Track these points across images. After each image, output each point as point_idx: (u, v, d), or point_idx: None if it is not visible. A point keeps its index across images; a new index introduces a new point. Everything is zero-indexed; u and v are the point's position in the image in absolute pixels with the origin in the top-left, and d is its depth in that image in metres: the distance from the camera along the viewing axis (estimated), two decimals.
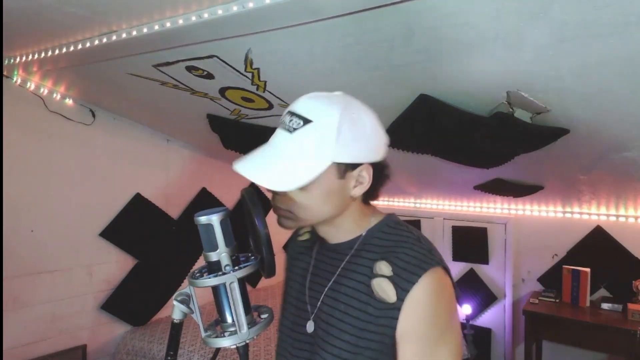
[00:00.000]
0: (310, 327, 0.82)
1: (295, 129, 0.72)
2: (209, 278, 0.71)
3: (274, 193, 0.77)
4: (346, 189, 0.76)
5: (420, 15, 1.19)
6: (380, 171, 0.79)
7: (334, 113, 0.71)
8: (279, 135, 0.75)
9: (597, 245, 2.90)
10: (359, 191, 0.77)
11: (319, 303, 0.81)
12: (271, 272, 0.75)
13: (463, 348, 3.19)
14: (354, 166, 0.74)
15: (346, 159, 0.73)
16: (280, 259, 0.78)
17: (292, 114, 0.73)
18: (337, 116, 0.71)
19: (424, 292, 0.71)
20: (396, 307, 0.71)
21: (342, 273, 0.79)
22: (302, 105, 0.74)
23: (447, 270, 0.76)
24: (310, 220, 0.79)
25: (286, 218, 0.77)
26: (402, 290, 0.71)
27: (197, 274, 0.75)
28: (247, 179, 0.73)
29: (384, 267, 0.74)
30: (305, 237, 0.94)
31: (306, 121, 0.71)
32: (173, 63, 1.77)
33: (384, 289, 0.72)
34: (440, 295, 0.73)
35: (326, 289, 0.80)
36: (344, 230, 0.82)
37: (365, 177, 0.76)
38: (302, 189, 0.72)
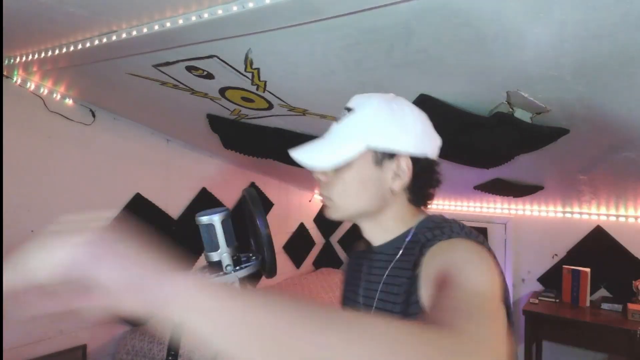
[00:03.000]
0: None
1: (340, 119, 0.78)
2: (210, 278, 0.71)
3: (317, 180, 0.79)
4: (384, 180, 0.75)
5: (420, 15, 1.19)
6: (426, 170, 0.77)
7: (374, 102, 0.75)
8: (331, 127, 0.80)
9: (597, 245, 2.90)
10: (398, 184, 0.75)
11: (373, 309, 0.78)
12: (272, 272, 0.75)
13: None
14: (391, 156, 0.74)
15: (379, 143, 0.73)
16: (281, 259, 0.78)
17: (345, 108, 0.79)
18: (375, 104, 0.75)
19: (444, 244, 0.67)
20: (417, 275, 0.68)
21: (391, 272, 0.76)
22: (352, 100, 0.79)
23: (483, 245, 0.70)
24: (348, 209, 0.77)
25: (326, 206, 0.79)
26: (421, 255, 0.69)
27: (198, 274, 0.75)
28: (246, 179, 0.73)
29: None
30: (361, 247, 0.91)
31: (350, 110, 0.77)
32: (173, 63, 1.77)
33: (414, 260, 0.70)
34: (471, 247, 0.66)
35: (378, 292, 0.78)
36: (387, 228, 0.79)
37: (405, 169, 0.74)
38: (338, 173, 0.75)
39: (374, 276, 0.80)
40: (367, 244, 0.85)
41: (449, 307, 0.51)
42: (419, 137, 0.75)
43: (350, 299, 0.87)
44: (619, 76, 1.32)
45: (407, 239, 0.76)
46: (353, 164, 0.73)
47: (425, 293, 0.65)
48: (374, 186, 0.75)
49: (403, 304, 0.70)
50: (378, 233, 0.81)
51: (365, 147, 0.73)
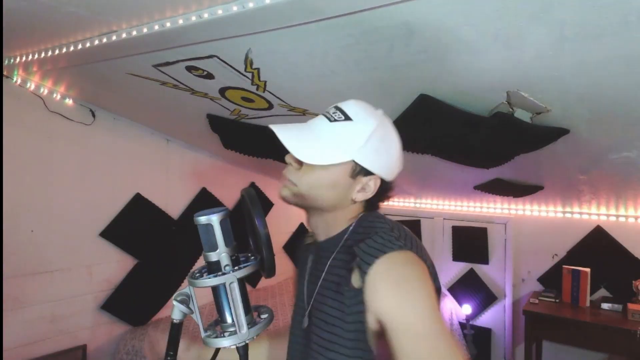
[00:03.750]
0: (305, 322, 0.85)
1: (335, 120, 0.81)
2: (209, 278, 0.72)
3: (289, 163, 0.84)
4: (351, 189, 0.83)
5: (420, 15, 1.19)
6: (385, 190, 0.86)
7: (372, 122, 0.81)
8: (319, 120, 0.84)
9: (597, 245, 2.90)
10: (360, 197, 0.83)
11: (312, 300, 0.84)
12: (271, 272, 0.75)
13: (463, 348, 3.19)
14: (366, 173, 0.81)
15: (365, 163, 0.81)
16: (280, 259, 0.79)
17: (338, 108, 0.83)
18: (373, 126, 0.80)
19: (380, 269, 0.72)
20: (361, 290, 0.73)
21: (328, 269, 0.82)
22: (347, 105, 0.83)
23: (416, 253, 0.76)
24: (306, 200, 0.83)
25: (287, 187, 0.84)
26: (363, 273, 0.73)
27: (197, 274, 0.75)
28: (246, 179, 0.74)
29: (354, 257, 0.78)
30: (309, 240, 0.97)
31: (347, 118, 0.81)
32: (173, 63, 1.77)
33: (354, 277, 0.75)
34: (401, 267, 0.73)
35: (318, 287, 0.84)
36: (332, 224, 0.86)
37: (371, 187, 0.83)
38: (316, 168, 0.80)
39: (317, 271, 0.86)
40: (314, 237, 0.92)
41: None
42: (393, 166, 0.85)
43: (297, 297, 0.94)
44: (619, 76, 1.32)
45: (344, 238, 0.83)
46: (331, 167, 0.80)
47: (373, 325, 0.73)
48: (340, 191, 0.82)
49: (340, 311, 0.76)
50: (324, 229, 0.87)
51: (350, 160, 0.80)
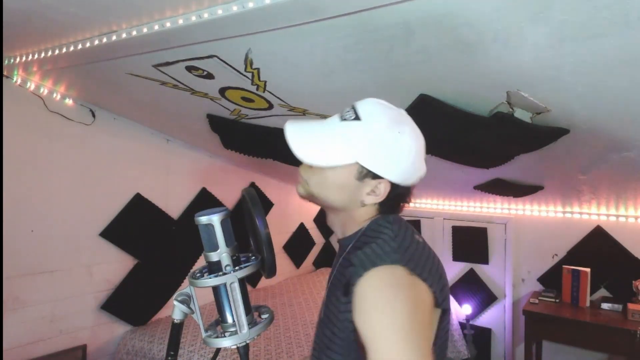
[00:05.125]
0: (320, 314, 0.86)
1: (345, 119, 0.79)
2: (210, 278, 0.72)
3: (304, 163, 0.82)
4: (360, 192, 0.80)
5: (420, 15, 1.19)
6: (400, 195, 0.82)
7: (382, 122, 0.78)
8: (333, 118, 0.82)
9: (597, 245, 2.90)
10: (370, 200, 0.80)
11: (325, 295, 0.85)
12: (271, 272, 0.75)
13: (463, 348, 3.19)
14: (374, 175, 0.78)
15: (370, 166, 0.77)
16: (280, 259, 0.79)
17: (352, 107, 0.80)
18: (382, 126, 0.77)
19: (364, 287, 0.70)
20: (349, 301, 0.72)
21: (338, 268, 0.82)
22: (363, 104, 0.80)
23: (411, 269, 0.73)
24: (317, 197, 0.83)
25: (300, 185, 0.85)
26: (352, 285, 0.72)
27: (198, 274, 0.75)
28: (246, 179, 0.74)
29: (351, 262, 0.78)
30: None
31: (357, 117, 0.78)
32: (173, 63, 1.77)
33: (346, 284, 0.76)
34: (384, 288, 0.70)
35: (329, 283, 0.84)
36: (347, 225, 0.85)
37: (382, 191, 0.79)
38: (324, 169, 0.79)
39: (334, 268, 0.87)
40: None
41: None
42: (407, 170, 0.80)
43: None
44: (619, 76, 1.32)
45: (355, 239, 0.82)
46: (337, 169, 0.78)
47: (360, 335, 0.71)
48: (348, 193, 0.80)
49: (337, 310, 0.75)
50: (338, 226, 0.87)
51: (354, 161, 0.77)
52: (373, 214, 0.83)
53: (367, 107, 0.79)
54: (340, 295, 0.75)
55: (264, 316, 0.78)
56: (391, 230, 0.78)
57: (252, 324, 0.74)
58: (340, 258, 0.84)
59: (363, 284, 0.70)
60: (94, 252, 2.60)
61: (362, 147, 0.77)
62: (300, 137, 0.79)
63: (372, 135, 0.77)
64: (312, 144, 0.79)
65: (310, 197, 0.84)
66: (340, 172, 0.78)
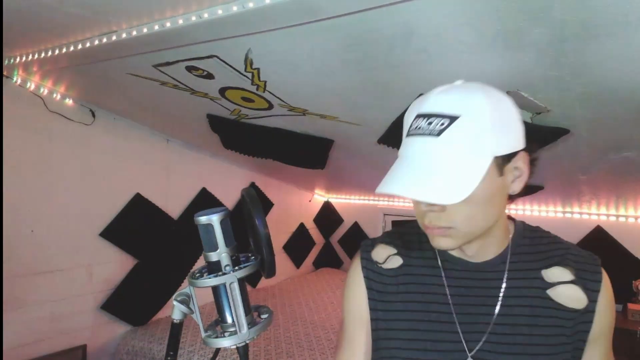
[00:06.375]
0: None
1: (441, 131, 0.60)
2: (209, 278, 0.71)
3: (428, 210, 0.65)
4: (506, 186, 0.66)
5: (420, 15, 1.19)
6: (534, 159, 0.70)
7: (481, 101, 0.61)
8: (419, 143, 0.62)
9: (597, 245, 2.90)
10: (518, 186, 0.67)
11: (486, 335, 0.68)
12: (271, 273, 0.75)
13: None
14: (509, 158, 0.65)
15: (506, 150, 0.63)
16: (280, 259, 0.79)
17: (429, 115, 0.62)
18: (485, 104, 0.61)
19: (610, 291, 0.70)
20: (589, 310, 0.67)
21: (507, 293, 0.69)
22: (438, 103, 0.63)
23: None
24: (474, 233, 0.66)
25: (446, 237, 0.65)
26: (593, 292, 0.68)
27: (197, 274, 0.75)
28: (246, 179, 0.73)
29: (561, 273, 0.69)
30: (394, 263, 0.76)
31: (452, 118, 0.60)
32: (173, 63, 1.77)
33: (572, 296, 0.67)
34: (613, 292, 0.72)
35: (494, 317, 0.68)
36: (496, 241, 0.71)
37: (523, 167, 0.67)
38: (464, 200, 0.60)
39: (475, 298, 0.70)
40: (440, 253, 0.74)
41: None
42: (522, 129, 0.67)
43: (416, 338, 0.72)
44: (619, 76, 1.32)
45: (511, 250, 0.72)
46: (480, 182, 0.61)
47: (598, 337, 0.70)
48: (499, 198, 0.66)
49: (547, 330, 0.67)
50: (484, 248, 0.71)
51: (492, 160, 0.62)
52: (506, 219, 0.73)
53: (446, 101, 0.62)
54: (563, 309, 0.67)
55: (263, 316, 0.78)
56: (549, 233, 0.76)
57: (251, 324, 0.74)
58: (492, 283, 0.70)
59: (607, 290, 0.70)
60: (94, 252, 2.60)
61: (488, 138, 0.61)
62: (415, 185, 0.61)
63: (487, 118, 0.61)
64: (438, 179, 0.60)
65: (467, 239, 0.67)
66: (483, 183, 0.61)
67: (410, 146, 0.64)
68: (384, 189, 0.63)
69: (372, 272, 0.77)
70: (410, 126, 0.65)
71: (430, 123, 0.62)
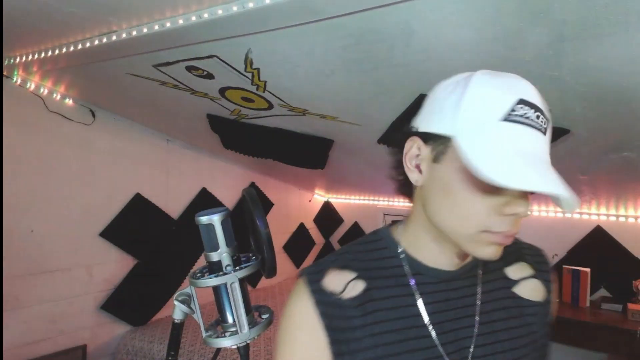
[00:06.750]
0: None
1: (546, 130, 0.57)
2: (210, 278, 0.72)
3: (517, 215, 0.57)
4: None
5: (420, 15, 1.20)
6: None
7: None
8: (534, 137, 0.55)
9: (597, 245, 2.90)
10: None
11: (472, 350, 0.62)
12: (272, 272, 0.75)
13: None
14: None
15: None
16: (280, 259, 0.79)
17: (535, 107, 0.56)
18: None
19: (554, 279, 0.72)
20: (548, 300, 0.70)
21: (484, 299, 0.65)
22: (535, 95, 0.58)
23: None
24: None
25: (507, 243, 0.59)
26: (548, 282, 0.71)
27: (198, 274, 0.75)
28: (246, 179, 0.73)
29: (522, 269, 0.70)
30: (356, 290, 0.63)
31: (548, 120, 0.57)
32: (173, 63, 1.77)
33: (535, 289, 0.70)
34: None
35: (476, 329, 0.63)
36: None
37: None
38: None
39: (454, 311, 0.63)
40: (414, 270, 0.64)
41: None
42: None
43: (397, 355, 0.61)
44: (619, 76, 1.32)
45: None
46: None
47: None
48: None
49: (521, 330, 0.66)
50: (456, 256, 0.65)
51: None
52: None
53: (541, 99, 0.58)
54: (528, 305, 0.68)
55: (264, 316, 0.78)
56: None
57: (252, 324, 0.74)
58: (467, 290, 0.66)
59: (554, 277, 0.72)
60: (94, 252, 2.60)
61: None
62: (566, 186, 0.55)
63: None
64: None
65: None
66: None
67: (527, 137, 0.55)
68: (528, 184, 0.51)
69: (330, 306, 0.61)
70: (513, 110, 0.54)
71: (538, 117, 0.55)
